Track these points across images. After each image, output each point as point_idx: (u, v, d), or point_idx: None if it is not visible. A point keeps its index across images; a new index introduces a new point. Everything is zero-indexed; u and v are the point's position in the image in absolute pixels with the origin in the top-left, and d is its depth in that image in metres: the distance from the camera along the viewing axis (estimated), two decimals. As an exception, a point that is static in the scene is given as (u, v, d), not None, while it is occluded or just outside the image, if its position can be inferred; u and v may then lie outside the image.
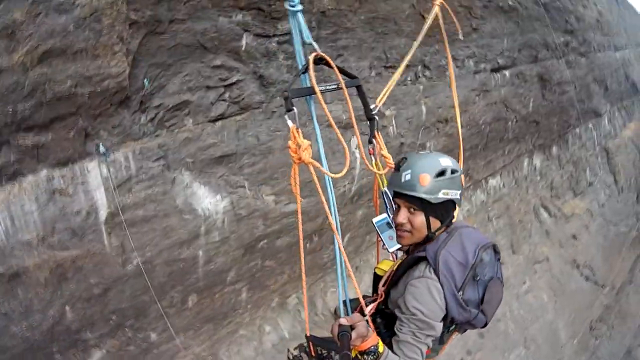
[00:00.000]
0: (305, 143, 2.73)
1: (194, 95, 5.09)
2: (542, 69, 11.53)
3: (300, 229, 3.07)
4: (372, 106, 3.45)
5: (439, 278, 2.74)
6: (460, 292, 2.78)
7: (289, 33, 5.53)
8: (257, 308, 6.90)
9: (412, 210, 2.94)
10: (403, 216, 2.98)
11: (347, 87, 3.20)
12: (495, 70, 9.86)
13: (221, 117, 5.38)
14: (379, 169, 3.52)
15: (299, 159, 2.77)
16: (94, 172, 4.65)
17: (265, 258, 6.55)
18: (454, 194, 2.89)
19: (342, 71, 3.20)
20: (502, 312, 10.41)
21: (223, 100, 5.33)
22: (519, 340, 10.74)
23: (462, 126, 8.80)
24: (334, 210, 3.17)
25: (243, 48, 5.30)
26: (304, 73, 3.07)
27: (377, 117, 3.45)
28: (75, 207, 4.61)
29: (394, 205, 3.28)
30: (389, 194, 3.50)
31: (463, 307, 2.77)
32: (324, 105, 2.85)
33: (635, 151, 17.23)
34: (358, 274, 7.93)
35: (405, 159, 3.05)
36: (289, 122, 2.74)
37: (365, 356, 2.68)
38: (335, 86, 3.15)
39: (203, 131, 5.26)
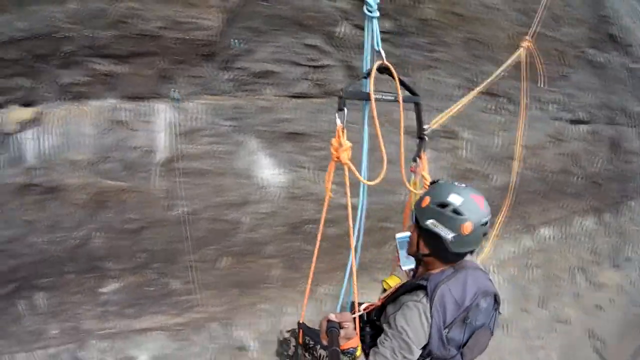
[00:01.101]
0: (347, 144, 2.78)
1: (280, 67, 4.95)
2: (616, 133, 11.16)
3: (322, 222, 3.19)
4: (425, 126, 3.46)
5: (431, 309, 2.66)
6: (446, 330, 2.71)
7: (387, 32, 5.36)
8: (285, 288, 6.78)
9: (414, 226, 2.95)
10: (412, 228, 2.99)
11: (405, 102, 3.18)
12: (573, 122, 9.54)
13: (301, 95, 5.24)
14: (415, 188, 3.48)
15: (337, 157, 2.84)
16: (162, 114, 4.60)
17: (307, 242, 6.40)
18: (444, 232, 2.74)
19: (405, 85, 3.23)
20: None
21: (307, 79, 5.18)
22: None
23: (528, 168, 8.61)
24: (362, 216, 3.39)
25: (339, 35, 5.14)
26: (365, 78, 3.08)
27: (426, 138, 3.47)
28: (134, 143, 4.58)
29: None
30: None
31: (444, 343, 2.71)
32: (375, 113, 2.89)
33: None
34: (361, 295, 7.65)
35: (437, 182, 3.01)
36: (338, 121, 2.78)
37: (342, 355, 2.63)
38: (393, 98, 3.15)
39: (281, 104, 5.14)
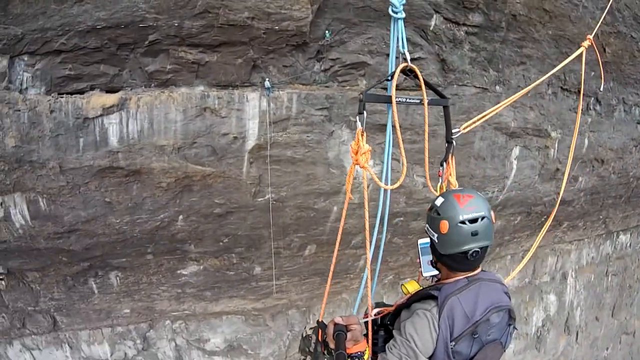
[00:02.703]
0: (366, 148, 2.73)
1: (373, 58, 4.83)
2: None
3: (341, 225, 3.11)
4: (454, 130, 3.33)
5: (439, 320, 2.64)
6: (453, 343, 2.67)
7: (478, 26, 5.19)
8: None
9: None
10: None
11: (431, 105, 3.13)
12: (658, 126, 9.20)
13: (395, 87, 5.21)
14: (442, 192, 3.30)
15: (357, 161, 2.79)
16: (253, 102, 4.58)
17: (395, 234, 6.37)
18: (431, 234, 2.77)
19: (433, 88, 3.17)
20: None
21: (401, 72, 5.14)
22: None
23: (612, 172, 8.30)
24: (385, 220, 3.30)
25: (431, 28, 4.99)
26: (388, 80, 3.02)
27: (454, 142, 3.33)
28: (223, 129, 4.57)
29: None
30: None
31: (450, 357, 2.67)
32: (396, 118, 2.84)
33: None
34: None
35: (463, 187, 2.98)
36: (358, 124, 2.71)
37: (349, 359, 2.65)
38: (418, 101, 3.07)
39: (374, 95, 5.08)
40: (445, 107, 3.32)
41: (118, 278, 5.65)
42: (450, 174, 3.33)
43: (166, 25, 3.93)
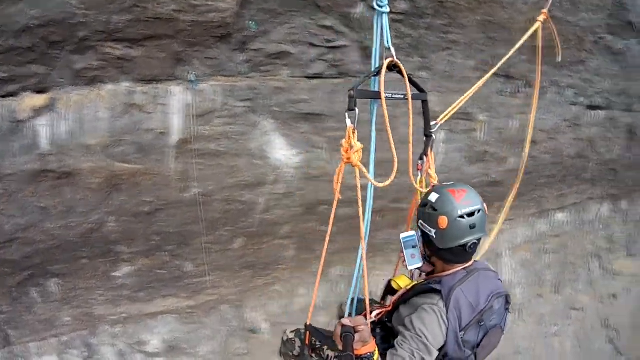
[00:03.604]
0: (358, 146, 2.77)
1: (296, 48, 4.95)
2: (634, 121, 11.15)
3: (330, 224, 3.22)
4: (432, 123, 3.50)
5: (447, 313, 2.80)
6: (462, 333, 2.83)
7: (404, 13, 5.36)
8: (299, 269, 6.89)
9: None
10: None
11: (414, 99, 3.22)
12: (591, 107, 9.50)
13: (318, 76, 5.25)
14: (422, 187, 3.52)
15: (348, 159, 2.84)
16: (178, 96, 4.63)
17: (321, 223, 6.50)
18: (428, 230, 2.94)
19: (413, 82, 3.24)
20: (525, 348, 10.39)
21: (323, 60, 5.19)
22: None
23: (545, 152, 8.57)
24: (368, 217, 3.36)
25: (355, 16, 5.12)
26: (375, 76, 3.09)
27: (433, 136, 3.50)
28: (149, 125, 4.62)
29: None
30: None
31: (460, 346, 2.83)
32: (386, 113, 2.88)
33: None
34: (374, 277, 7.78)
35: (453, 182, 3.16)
36: (348, 122, 2.77)
37: None
38: (402, 96, 3.15)
39: (297, 85, 5.16)
40: (425, 102, 3.43)
41: (58, 285, 5.62)
42: (430, 167, 3.46)
43: (95, 21, 3.95)
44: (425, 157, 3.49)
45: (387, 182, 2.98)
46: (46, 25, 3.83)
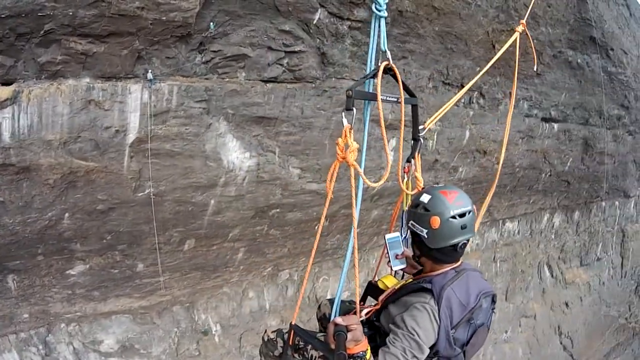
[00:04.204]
0: (354, 145, 2.69)
1: (254, 51, 5.08)
2: (589, 134, 11.49)
3: (320, 225, 3.12)
4: (420, 127, 3.43)
5: (439, 311, 2.78)
6: (453, 331, 2.84)
7: (362, 21, 5.52)
8: (248, 272, 6.97)
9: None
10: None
11: (406, 103, 3.15)
12: (545, 119, 9.81)
13: (274, 80, 5.37)
14: (408, 188, 3.47)
15: (343, 158, 2.74)
16: (135, 94, 4.70)
17: (272, 226, 6.61)
18: (419, 230, 2.92)
19: (405, 87, 3.16)
20: (477, 354, 10.31)
21: (280, 64, 5.32)
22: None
23: (496, 163, 8.79)
24: (357, 216, 3.12)
25: (314, 22, 5.28)
26: (372, 78, 3.00)
27: (422, 140, 3.44)
28: (106, 122, 4.67)
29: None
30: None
31: (451, 344, 2.84)
32: (382, 115, 2.79)
33: None
34: (353, 269, 7.77)
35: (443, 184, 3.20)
36: (345, 121, 2.70)
37: (350, 359, 2.68)
38: (396, 99, 3.09)
39: (252, 88, 5.26)
40: (414, 106, 3.39)
41: (15, 281, 5.64)
42: (417, 170, 3.41)
43: (62, 14, 4.03)
44: (412, 160, 3.44)
45: (381, 182, 2.98)
46: (15, 16, 3.90)
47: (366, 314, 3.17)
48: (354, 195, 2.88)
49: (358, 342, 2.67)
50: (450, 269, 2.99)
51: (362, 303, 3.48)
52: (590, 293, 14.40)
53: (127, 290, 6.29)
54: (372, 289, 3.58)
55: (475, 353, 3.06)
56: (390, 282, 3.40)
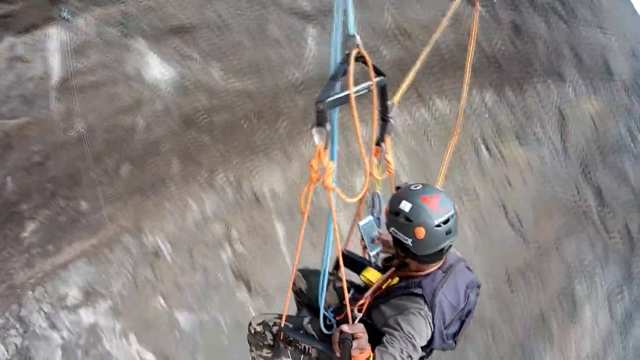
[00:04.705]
0: (332, 166, 2.59)
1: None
2: (518, 18, 11.95)
3: (297, 254, 3.20)
4: (389, 102, 3.26)
5: (433, 317, 3.08)
6: (446, 330, 3.18)
7: None
8: (185, 182, 7.31)
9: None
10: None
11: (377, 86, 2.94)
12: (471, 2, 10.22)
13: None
14: (379, 174, 3.50)
15: (318, 179, 2.66)
16: (55, 37, 5.04)
17: (201, 132, 7.03)
18: (403, 239, 3.05)
19: (375, 69, 2.90)
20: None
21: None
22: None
23: (422, 45, 9.15)
24: (330, 229, 3.15)
25: None
26: (343, 75, 2.66)
27: (392, 120, 3.31)
28: (30, 73, 5.03)
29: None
30: (380, 197, 3.72)
31: (444, 340, 3.19)
32: (356, 116, 2.60)
33: (593, 129, 17.58)
34: (287, 161, 8.40)
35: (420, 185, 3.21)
36: (316, 139, 2.54)
37: None
38: (367, 89, 2.87)
39: (167, 1, 5.67)
40: (383, 86, 3.18)
41: None
42: (387, 152, 3.40)
43: None
44: (382, 143, 3.38)
45: (359, 196, 3.05)
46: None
47: (358, 310, 3.36)
48: (335, 228, 2.98)
49: (363, 350, 2.88)
50: (437, 270, 3.23)
51: (335, 271, 3.74)
52: (533, 173, 14.91)
53: (76, 233, 6.61)
54: (346, 263, 3.63)
55: (463, 337, 3.40)
56: (373, 277, 3.56)
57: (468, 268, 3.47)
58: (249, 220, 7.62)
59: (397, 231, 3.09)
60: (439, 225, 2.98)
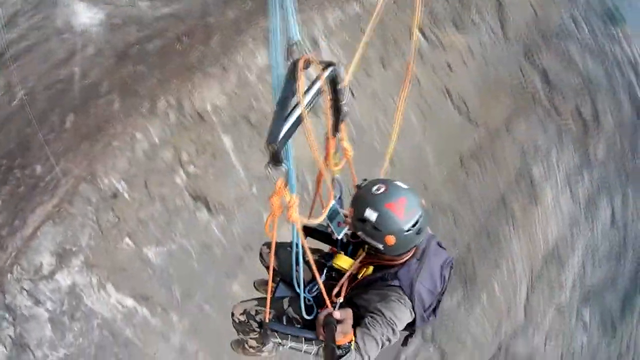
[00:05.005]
0: (294, 200, 2.55)
1: None
2: None
3: (270, 281, 3.48)
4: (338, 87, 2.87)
5: (413, 305, 3.32)
6: (426, 312, 3.44)
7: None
8: (129, 117, 7.61)
9: None
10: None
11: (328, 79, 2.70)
12: None
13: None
14: (335, 164, 3.45)
15: (281, 212, 2.65)
16: (-15, 16, 5.23)
17: (136, 63, 7.40)
18: (374, 243, 3.24)
19: (326, 64, 2.71)
20: (369, 125, 11.42)
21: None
22: (384, 154, 11.37)
23: None
24: (298, 252, 3.33)
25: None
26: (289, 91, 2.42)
27: (346, 108, 3.02)
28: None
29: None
30: (341, 183, 3.77)
31: (425, 320, 3.47)
32: (312, 137, 2.42)
33: (533, 14, 17.96)
34: (224, 73, 8.76)
35: (360, 186, 3.39)
36: (274, 175, 2.49)
37: (339, 350, 3.01)
38: (318, 92, 2.64)
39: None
40: (334, 76, 2.80)
41: None
42: (343, 139, 3.28)
43: None
44: (337, 133, 3.21)
45: (322, 217, 3.12)
46: None
47: (336, 295, 3.59)
48: (307, 248, 3.05)
49: (346, 334, 3.02)
50: (411, 258, 3.43)
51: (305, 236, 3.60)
52: (474, 58, 15.26)
53: (37, 199, 6.93)
54: (313, 234, 4.01)
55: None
56: (345, 263, 3.75)
57: (439, 244, 3.68)
58: (196, 139, 7.99)
59: (365, 237, 3.27)
60: (408, 230, 3.15)
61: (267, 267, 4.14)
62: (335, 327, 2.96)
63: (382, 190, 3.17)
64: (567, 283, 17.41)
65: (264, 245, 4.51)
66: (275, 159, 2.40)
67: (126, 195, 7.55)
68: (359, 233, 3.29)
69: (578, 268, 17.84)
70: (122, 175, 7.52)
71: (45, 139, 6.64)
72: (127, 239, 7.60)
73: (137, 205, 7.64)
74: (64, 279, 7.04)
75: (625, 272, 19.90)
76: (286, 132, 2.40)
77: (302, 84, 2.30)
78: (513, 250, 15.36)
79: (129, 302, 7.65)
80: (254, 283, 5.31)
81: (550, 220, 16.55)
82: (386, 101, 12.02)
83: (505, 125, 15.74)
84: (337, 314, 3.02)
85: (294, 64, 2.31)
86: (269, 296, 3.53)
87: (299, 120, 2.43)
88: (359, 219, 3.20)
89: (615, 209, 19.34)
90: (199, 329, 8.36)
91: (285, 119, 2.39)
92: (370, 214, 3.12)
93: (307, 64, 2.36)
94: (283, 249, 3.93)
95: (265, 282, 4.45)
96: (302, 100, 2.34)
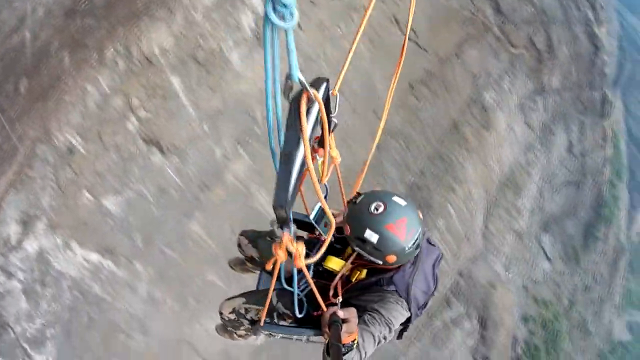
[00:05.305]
0: (301, 249, 2.46)
1: None
2: None
3: (267, 301, 3.50)
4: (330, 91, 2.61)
5: (409, 307, 3.50)
6: (420, 310, 3.62)
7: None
8: (79, 70, 7.85)
9: None
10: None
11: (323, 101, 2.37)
12: None
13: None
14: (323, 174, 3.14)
15: (285, 259, 2.53)
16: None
17: (85, 18, 7.65)
18: (373, 259, 3.35)
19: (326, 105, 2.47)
20: (317, 54, 11.76)
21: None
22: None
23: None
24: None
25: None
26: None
27: (335, 120, 2.86)
28: None
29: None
30: (326, 185, 3.38)
31: (418, 316, 3.63)
32: (314, 174, 2.36)
33: None
34: (171, 15, 9.08)
35: (354, 201, 3.42)
36: (280, 232, 2.37)
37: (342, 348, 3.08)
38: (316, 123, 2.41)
39: None
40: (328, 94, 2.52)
41: None
42: (331, 147, 2.93)
43: None
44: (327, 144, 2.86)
45: (318, 256, 2.72)
46: None
47: (333, 295, 3.73)
48: (311, 282, 2.99)
49: (351, 334, 3.07)
50: (406, 262, 3.52)
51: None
52: None
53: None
54: (297, 224, 3.96)
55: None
56: (336, 265, 3.82)
57: (428, 241, 3.76)
58: (146, 83, 8.33)
59: (364, 253, 3.35)
60: (410, 248, 3.28)
61: (247, 258, 4.53)
62: (341, 327, 3.01)
63: (380, 209, 3.24)
64: (526, 209, 18.23)
65: (241, 235, 4.60)
66: (282, 222, 2.32)
67: (81, 149, 7.86)
68: (357, 249, 3.38)
69: (535, 193, 18.66)
70: (76, 130, 7.81)
71: (1, 108, 6.89)
72: (86, 193, 7.93)
73: (93, 158, 7.97)
74: (31, 246, 7.37)
75: (586, 201, 20.82)
76: (293, 191, 2.25)
77: (307, 134, 2.10)
78: (468, 175, 15.96)
79: (94, 257, 8.05)
80: (229, 263, 5.43)
81: (505, 146, 17.18)
82: (333, 31, 12.29)
83: (455, 53, 16.18)
84: (342, 314, 3.05)
85: (296, 105, 2.09)
86: (267, 303, 3.58)
87: (302, 167, 2.25)
88: (359, 239, 3.28)
89: (572, 138, 20.09)
90: (163, 276, 8.79)
91: (292, 176, 2.21)
92: (371, 235, 3.21)
93: (309, 104, 2.15)
94: (262, 239, 4.25)
95: (241, 262, 4.86)
96: (308, 151, 2.13)
